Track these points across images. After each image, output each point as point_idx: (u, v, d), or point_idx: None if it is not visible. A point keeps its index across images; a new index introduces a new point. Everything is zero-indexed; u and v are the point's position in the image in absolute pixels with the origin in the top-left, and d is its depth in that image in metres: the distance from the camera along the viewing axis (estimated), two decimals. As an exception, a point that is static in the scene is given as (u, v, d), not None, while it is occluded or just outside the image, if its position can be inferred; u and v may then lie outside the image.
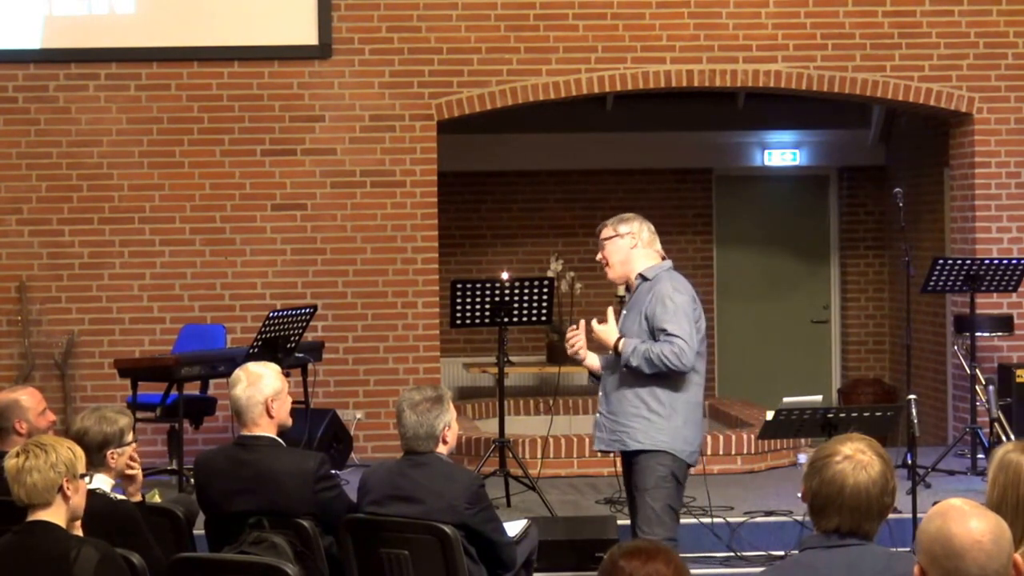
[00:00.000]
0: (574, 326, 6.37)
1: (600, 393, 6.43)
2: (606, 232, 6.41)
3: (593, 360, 6.40)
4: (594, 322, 6.30)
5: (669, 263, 6.39)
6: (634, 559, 3.20)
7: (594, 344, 6.40)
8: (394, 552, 5.38)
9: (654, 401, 6.20)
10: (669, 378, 6.17)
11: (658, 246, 6.41)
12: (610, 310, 6.36)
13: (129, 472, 5.40)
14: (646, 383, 6.19)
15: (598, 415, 6.43)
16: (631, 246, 6.34)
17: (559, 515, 8.00)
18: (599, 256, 6.45)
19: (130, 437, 5.38)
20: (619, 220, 6.42)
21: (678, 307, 6.13)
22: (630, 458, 6.30)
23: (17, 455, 4.48)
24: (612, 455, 6.87)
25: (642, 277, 6.32)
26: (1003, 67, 10.41)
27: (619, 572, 3.20)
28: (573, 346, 6.34)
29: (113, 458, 5.30)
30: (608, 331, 6.25)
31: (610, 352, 6.30)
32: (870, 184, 13.14)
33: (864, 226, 13.21)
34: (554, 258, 12.14)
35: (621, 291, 6.44)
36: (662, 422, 6.19)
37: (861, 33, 10.35)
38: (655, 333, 6.15)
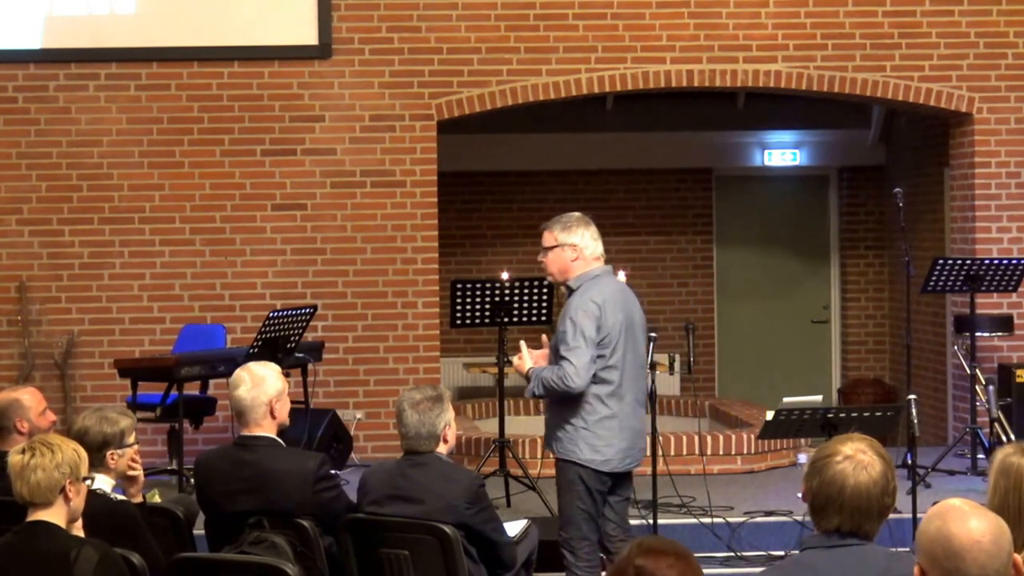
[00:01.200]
0: (520, 353, 6.51)
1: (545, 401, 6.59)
2: (548, 240, 6.46)
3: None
4: (515, 359, 6.48)
5: (598, 268, 6.42)
6: (648, 557, 3.16)
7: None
8: (394, 552, 5.38)
9: (568, 412, 6.33)
10: (585, 392, 6.27)
11: (600, 251, 6.45)
12: (522, 343, 6.57)
13: (131, 473, 5.40)
14: (566, 398, 6.32)
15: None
16: (572, 259, 6.41)
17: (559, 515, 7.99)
18: (540, 258, 6.52)
19: (132, 439, 5.37)
20: (562, 228, 6.44)
21: (576, 328, 6.23)
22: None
23: (23, 452, 4.47)
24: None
25: (568, 288, 6.43)
26: (1003, 67, 10.41)
27: (638, 571, 3.16)
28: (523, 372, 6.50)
29: (113, 459, 5.29)
30: (522, 363, 6.45)
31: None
32: (870, 184, 13.14)
33: (864, 226, 13.21)
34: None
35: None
36: (571, 432, 6.33)
37: (861, 33, 10.35)
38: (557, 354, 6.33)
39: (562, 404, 6.34)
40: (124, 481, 5.41)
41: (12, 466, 4.47)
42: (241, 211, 10.12)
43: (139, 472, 5.43)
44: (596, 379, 6.28)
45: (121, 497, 5.31)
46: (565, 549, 6.37)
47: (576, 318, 6.25)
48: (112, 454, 5.28)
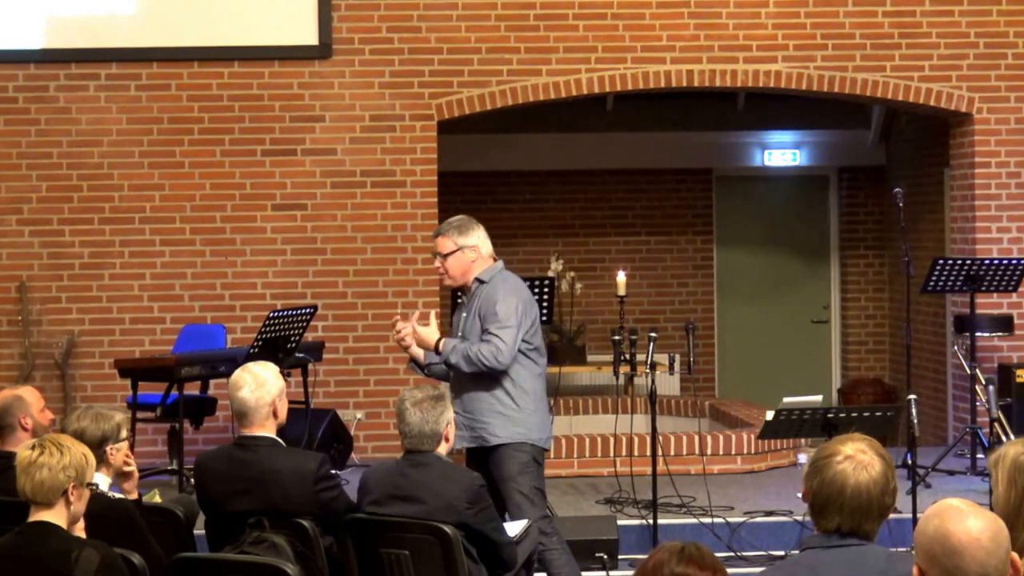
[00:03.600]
0: (399, 318, 6.63)
1: (453, 395, 6.51)
2: (447, 245, 6.52)
3: (417, 350, 6.61)
4: (415, 324, 6.53)
5: (501, 263, 6.61)
6: (690, 566, 3.12)
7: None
8: (394, 552, 5.38)
9: (506, 397, 6.45)
10: (517, 374, 6.44)
11: (491, 250, 6.61)
12: (432, 313, 6.70)
13: (126, 469, 5.42)
14: (496, 382, 6.44)
15: (455, 415, 6.49)
16: (472, 260, 6.52)
17: (559, 515, 7.99)
18: (436, 263, 6.58)
19: (125, 432, 5.40)
20: (459, 232, 6.54)
21: (506, 308, 6.40)
22: (486, 453, 6.47)
23: (33, 447, 4.47)
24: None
25: (479, 280, 6.54)
26: (1003, 67, 10.41)
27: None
28: (402, 337, 6.54)
29: (112, 454, 5.32)
30: (429, 332, 6.51)
31: (432, 351, 6.53)
32: (870, 184, 13.15)
33: (864, 226, 13.22)
34: (554, 258, 12.13)
35: (552, 272, 6.57)
36: (517, 415, 6.44)
37: (861, 33, 10.35)
38: (484, 333, 6.42)
39: (498, 388, 6.42)
40: (119, 478, 5.42)
41: (19, 461, 4.47)
42: (241, 211, 10.13)
43: (133, 467, 5.45)
44: (532, 362, 6.49)
45: (118, 495, 5.32)
46: (540, 535, 6.33)
47: (509, 301, 6.41)
48: (111, 448, 5.31)
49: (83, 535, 4.53)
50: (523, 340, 6.42)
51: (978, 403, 9.17)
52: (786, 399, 7.40)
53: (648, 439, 8.11)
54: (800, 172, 13.32)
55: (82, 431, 5.25)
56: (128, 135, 10.06)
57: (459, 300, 6.79)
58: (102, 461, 5.26)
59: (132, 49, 10.04)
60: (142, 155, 10.07)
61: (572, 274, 12.12)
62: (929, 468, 8.89)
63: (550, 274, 11.39)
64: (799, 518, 7.88)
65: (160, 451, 9.47)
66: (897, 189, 9.23)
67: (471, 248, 6.52)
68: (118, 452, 5.34)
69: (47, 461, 4.41)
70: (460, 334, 6.53)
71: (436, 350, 6.48)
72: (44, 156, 10.03)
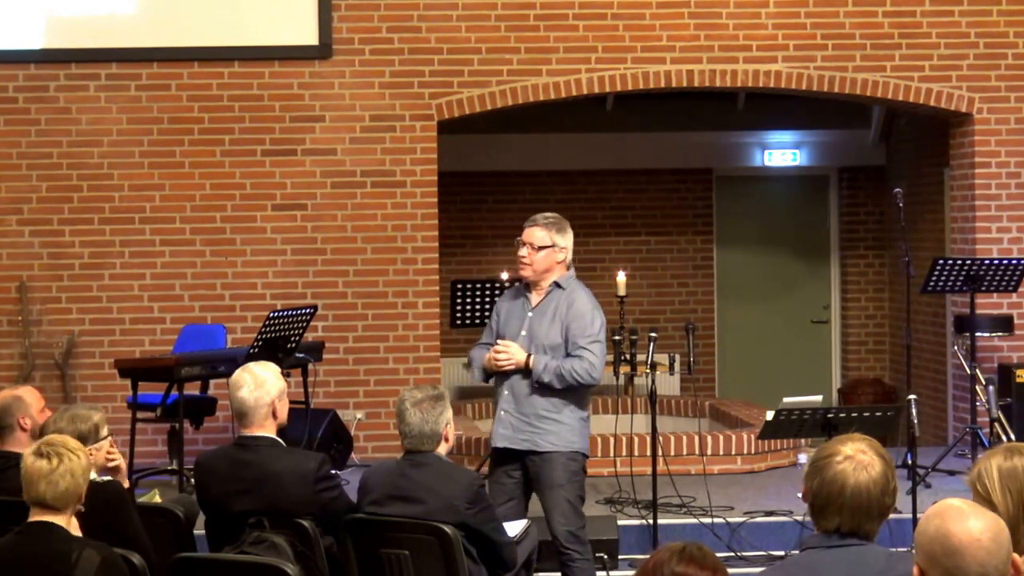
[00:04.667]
0: (504, 343, 6.46)
1: (506, 392, 6.49)
2: (544, 239, 6.47)
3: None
4: (511, 349, 6.42)
5: (573, 271, 6.62)
6: (691, 566, 3.11)
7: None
8: (394, 552, 5.38)
9: (564, 405, 6.44)
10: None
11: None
12: (508, 340, 6.49)
13: (111, 464, 5.42)
14: (556, 389, 6.40)
15: (502, 413, 6.52)
16: (559, 261, 6.51)
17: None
18: (523, 252, 6.49)
19: (104, 431, 5.41)
20: (558, 229, 6.50)
21: (595, 323, 6.42)
22: (527, 457, 6.45)
23: (47, 457, 4.45)
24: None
25: (557, 285, 6.51)
26: (1003, 67, 10.41)
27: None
28: (509, 357, 6.41)
29: (91, 454, 5.30)
30: (517, 351, 6.42)
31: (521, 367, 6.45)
32: (870, 184, 13.15)
33: (864, 226, 13.22)
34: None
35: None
36: (573, 423, 6.47)
37: (861, 33, 10.35)
38: (569, 345, 6.39)
39: (558, 396, 6.39)
40: (107, 473, 5.42)
41: (37, 469, 4.42)
42: (241, 211, 10.13)
43: (118, 460, 5.46)
44: None
45: (107, 477, 5.33)
46: (574, 544, 6.40)
47: (596, 316, 6.43)
48: (90, 450, 5.29)
49: (79, 533, 4.54)
50: None
51: (978, 403, 9.17)
52: (786, 399, 7.40)
53: (648, 439, 8.11)
54: (800, 172, 13.32)
55: (60, 433, 5.24)
56: (128, 135, 10.06)
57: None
58: None
59: (132, 49, 10.04)
60: (142, 155, 10.07)
61: (572, 274, 12.11)
62: (929, 468, 8.89)
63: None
64: (799, 518, 7.88)
65: (160, 451, 9.47)
66: (897, 189, 9.24)
67: (562, 249, 6.49)
68: (98, 452, 5.35)
69: (69, 467, 4.42)
70: (524, 332, 6.45)
71: (525, 367, 6.40)
72: (44, 156, 10.03)
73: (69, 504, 4.45)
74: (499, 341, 6.47)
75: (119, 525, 4.95)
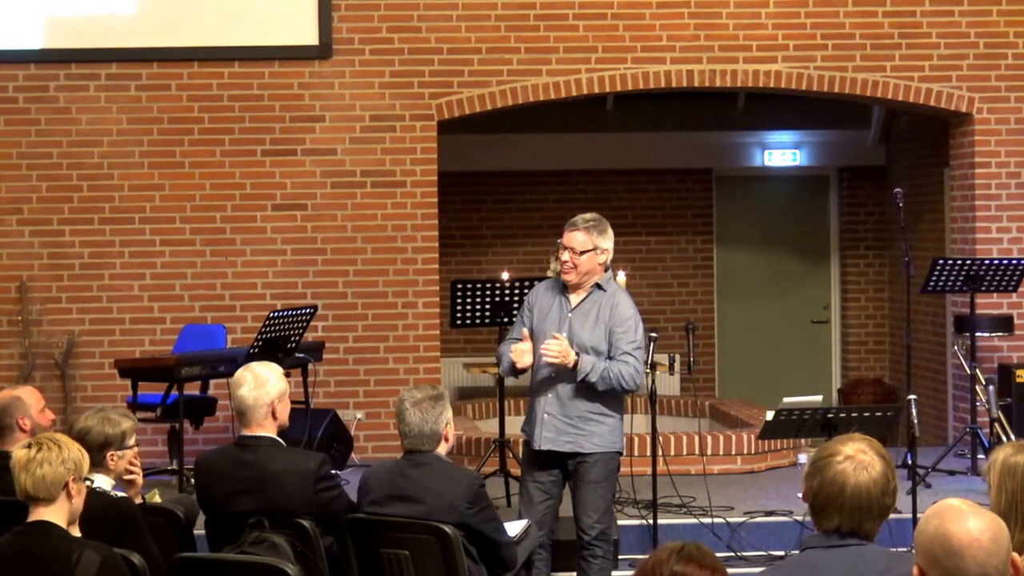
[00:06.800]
0: (560, 336, 6.41)
1: (549, 395, 6.50)
2: (586, 243, 6.45)
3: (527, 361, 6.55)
4: (562, 345, 6.37)
5: (610, 272, 6.65)
6: (689, 565, 3.12)
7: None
8: (394, 552, 5.38)
9: (606, 407, 6.49)
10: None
11: None
12: (558, 335, 6.43)
13: (128, 477, 5.38)
14: (599, 391, 6.44)
15: (546, 416, 6.51)
16: (601, 263, 6.52)
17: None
18: (566, 257, 6.48)
19: (132, 441, 5.36)
20: (599, 232, 6.49)
21: (637, 329, 6.50)
22: (570, 458, 6.49)
23: (29, 447, 4.48)
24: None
25: (597, 286, 6.53)
26: (1003, 67, 10.42)
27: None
28: (554, 356, 6.37)
29: (113, 460, 5.28)
30: (568, 350, 6.39)
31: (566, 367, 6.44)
32: (870, 184, 13.15)
33: (864, 226, 13.22)
34: (554, 258, 12.09)
35: (552, 272, 6.79)
36: (615, 424, 6.53)
37: (861, 33, 10.36)
38: (612, 349, 6.43)
39: (601, 398, 6.44)
40: (122, 484, 5.39)
41: (17, 460, 4.46)
42: (241, 211, 10.13)
43: (137, 475, 5.40)
44: None
45: (122, 494, 5.30)
46: (601, 541, 6.45)
47: (638, 320, 6.52)
48: (112, 455, 5.28)
49: (78, 534, 4.53)
50: None
51: (978, 403, 9.17)
52: (786, 399, 7.40)
53: (648, 439, 8.10)
54: (800, 172, 13.32)
55: (87, 431, 5.23)
56: (128, 135, 10.06)
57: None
58: (102, 465, 5.24)
59: (132, 49, 10.04)
60: (142, 155, 10.07)
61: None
62: (929, 468, 8.89)
63: (549, 274, 11.37)
64: (799, 518, 7.88)
65: (160, 451, 9.47)
66: (897, 189, 9.24)
67: (604, 251, 6.49)
68: (120, 459, 5.30)
69: (47, 456, 4.42)
70: (566, 333, 6.42)
71: (574, 367, 6.38)
72: (44, 156, 10.03)
73: (54, 492, 4.42)
74: (554, 334, 6.40)
75: (131, 547, 4.90)
